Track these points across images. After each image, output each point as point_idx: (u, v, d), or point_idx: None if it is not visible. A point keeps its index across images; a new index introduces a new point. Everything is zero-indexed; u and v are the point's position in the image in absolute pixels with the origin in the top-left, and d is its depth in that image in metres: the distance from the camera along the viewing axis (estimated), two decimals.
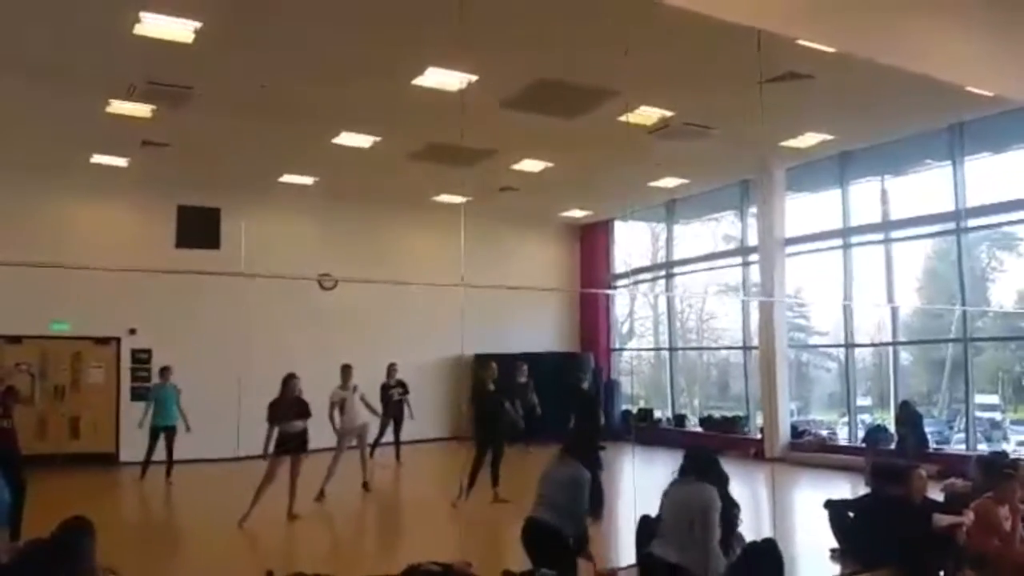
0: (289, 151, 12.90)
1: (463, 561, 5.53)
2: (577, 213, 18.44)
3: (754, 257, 15.40)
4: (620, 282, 19.67)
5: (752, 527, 6.92)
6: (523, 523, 5.64)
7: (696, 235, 18.26)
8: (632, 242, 19.85)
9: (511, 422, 10.63)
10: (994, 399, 13.46)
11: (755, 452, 14.26)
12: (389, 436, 13.65)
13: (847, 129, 12.10)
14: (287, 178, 14.49)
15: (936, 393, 14.23)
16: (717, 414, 16.41)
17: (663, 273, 18.46)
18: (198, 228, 14.78)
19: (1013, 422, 13.18)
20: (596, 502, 5.75)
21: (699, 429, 16.32)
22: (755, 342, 15.24)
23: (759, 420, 14.97)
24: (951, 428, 13.25)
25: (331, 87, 10.03)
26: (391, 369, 13.50)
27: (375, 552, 8.61)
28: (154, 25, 8.00)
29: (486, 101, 10.19)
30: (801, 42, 7.85)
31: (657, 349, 18.73)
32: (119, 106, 10.40)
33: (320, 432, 9.97)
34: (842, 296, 14.13)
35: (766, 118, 9.66)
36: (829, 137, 12.43)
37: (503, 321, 17.00)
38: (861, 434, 13.51)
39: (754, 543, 5.44)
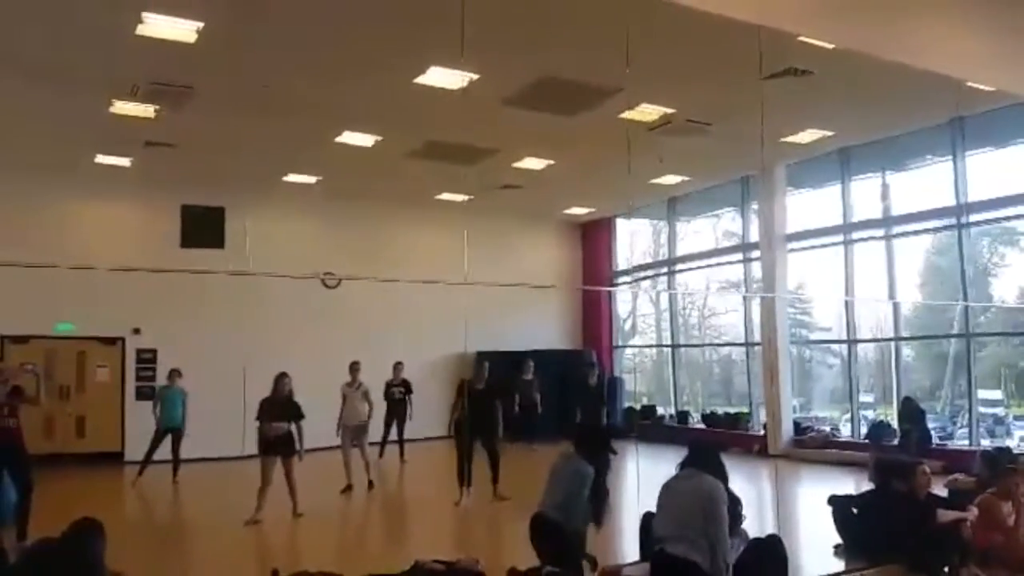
0: (292, 150, 12.92)
1: (470, 558, 5.56)
2: (579, 210, 18.46)
3: (755, 253, 15.42)
4: (622, 279, 19.69)
5: (756, 523, 6.95)
6: (530, 519, 5.66)
7: (697, 232, 18.28)
8: (634, 239, 19.86)
9: (495, 421, 10.30)
10: (997, 395, 13.45)
11: (758, 448, 14.27)
12: (394, 435, 13.70)
13: (848, 125, 12.10)
14: (290, 177, 14.51)
15: (939, 389, 14.24)
16: (720, 411, 16.44)
17: (665, 270, 18.47)
18: (202, 227, 14.85)
19: (1016, 417, 13.16)
20: (598, 503, 5.69)
21: (702, 426, 16.35)
22: (757, 338, 15.25)
23: (762, 416, 14.99)
24: (954, 424, 13.26)
25: (333, 86, 10.05)
26: (396, 367, 13.53)
27: (379, 550, 8.63)
28: (156, 25, 8.03)
29: (488, 99, 10.22)
30: (802, 38, 7.87)
31: (659, 346, 18.75)
32: (122, 106, 10.43)
33: (317, 431, 9.95)
34: (844, 292, 14.14)
35: (767, 114, 9.65)
36: (830, 133, 12.43)
37: (506, 318, 17.05)
38: (864, 430, 13.52)
39: (758, 539, 5.46)
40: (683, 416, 16.94)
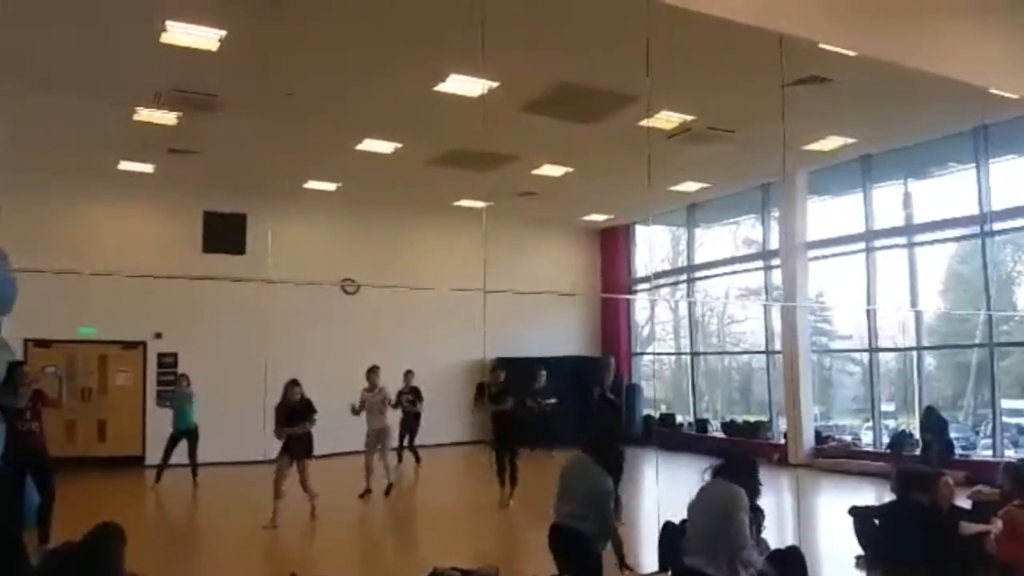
0: (313, 157, 13.02)
1: (490, 566, 5.54)
2: (597, 217, 18.44)
3: (776, 261, 15.33)
4: (641, 286, 19.63)
5: (776, 534, 6.90)
6: (549, 529, 5.60)
7: (717, 239, 18.20)
8: (653, 246, 19.80)
9: (516, 426, 10.61)
10: (1021, 404, 13.24)
11: (779, 458, 14.16)
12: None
13: (870, 132, 12.02)
14: (311, 184, 14.62)
15: (961, 398, 14.05)
16: (739, 419, 16.32)
17: (684, 277, 18.40)
18: (224, 233, 14.97)
19: None
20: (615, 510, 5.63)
21: (721, 434, 16.25)
22: (777, 346, 15.16)
23: (782, 425, 14.88)
24: (977, 434, 13.08)
25: (354, 94, 10.13)
26: (406, 376, 13.54)
27: (396, 555, 8.64)
28: (180, 34, 8.12)
29: (507, 107, 10.25)
30: (823, 46, 7.83)
31: (678, 353, 18.67)
32: (146, 114, 10.57)
33: (336, 436, 9.99)
34: (865, 300, 14.02)
35: (788, 122, 9.60)
36: (851, 140, 12.35)
37: (524, 325, 17.07)
38: (886, 439, 13.38)
39: (778, 550, 5.41)
40: (702, 424, 16.84)
